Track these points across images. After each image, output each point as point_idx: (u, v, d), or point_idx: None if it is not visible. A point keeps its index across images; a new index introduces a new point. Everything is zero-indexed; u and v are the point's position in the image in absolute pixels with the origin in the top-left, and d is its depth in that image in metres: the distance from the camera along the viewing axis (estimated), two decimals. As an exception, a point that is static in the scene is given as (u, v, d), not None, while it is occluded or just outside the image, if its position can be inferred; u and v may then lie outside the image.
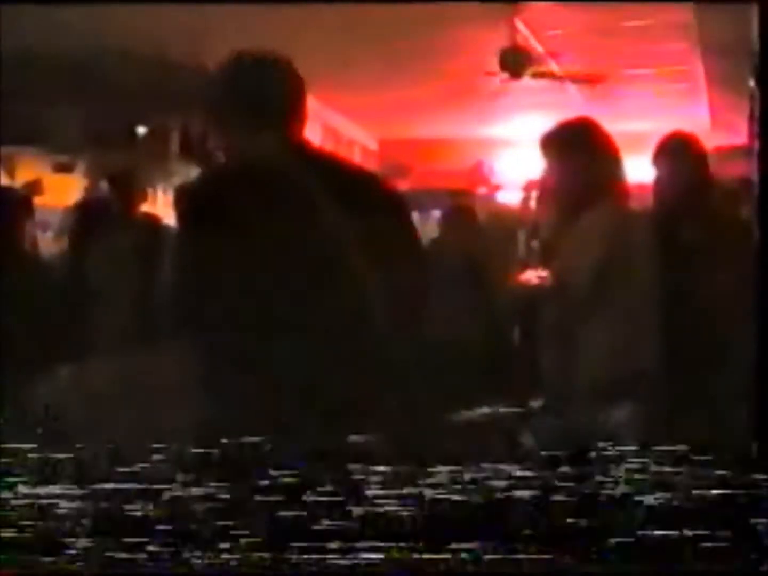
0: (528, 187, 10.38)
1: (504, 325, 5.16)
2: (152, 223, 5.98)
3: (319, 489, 2.18)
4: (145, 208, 6.32)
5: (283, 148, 2.73)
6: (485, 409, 3.27)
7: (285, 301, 2.44)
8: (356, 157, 14.53)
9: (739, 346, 3.25)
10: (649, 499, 2.30)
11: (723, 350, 3.55)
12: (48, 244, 8.18)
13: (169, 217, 6.83)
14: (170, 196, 7.11)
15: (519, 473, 2.32)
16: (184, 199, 2.75)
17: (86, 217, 5.91)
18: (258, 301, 2.43)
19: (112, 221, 5.61)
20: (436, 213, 6.61)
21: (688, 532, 2.24)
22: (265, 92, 2.79)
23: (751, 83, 2.88)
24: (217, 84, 2.94)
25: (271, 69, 2.85)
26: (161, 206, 6.92)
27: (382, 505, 2.19)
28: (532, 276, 4.00)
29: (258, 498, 2.16)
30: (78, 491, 1.92)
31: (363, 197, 2.67)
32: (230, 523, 2.13)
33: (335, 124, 13.35)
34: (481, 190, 13.28)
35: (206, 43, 9.05)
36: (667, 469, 2.34)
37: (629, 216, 3.53)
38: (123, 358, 2.20)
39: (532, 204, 8.74)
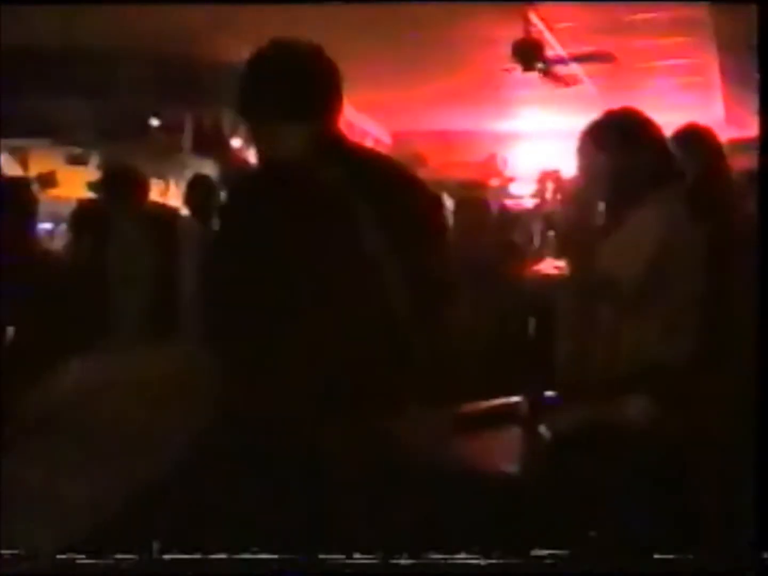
0: (543, 178, 10.38)
1: (520, 316, 5.15)
2: (165, 214, 5.99)
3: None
4: (158, 199, 6.32)
5: (313, 143, 2.63)
6: (501, 400, 3.27)
7: (308, 307, 2.40)
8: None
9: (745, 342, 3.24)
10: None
11: (732, 347, 3.53)
12: (61, 236, 8.22)
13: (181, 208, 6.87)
14: (182, 189, 7.14)
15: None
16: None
17: (87, 215, 5.93)
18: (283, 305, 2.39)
19: (113, 217, 5.62)
20: (450, 204, 6.58)
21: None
22: (298, 83, 2.67)
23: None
24: (247, 74, 2.73)
25: (305, 58, 2.71)
26: (173, 198, 6.92)
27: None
28: (548, 266, 3.98)
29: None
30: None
31: (394, 195, 2.58)
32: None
33: (349, 116, 13.35)
34: (494, 182, 13.26)
35: (221, 38, 9.08)
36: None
37: (679, 210, 3.47)
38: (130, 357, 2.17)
39: (548, 195, 8.74)
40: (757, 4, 2.98)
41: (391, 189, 2.60)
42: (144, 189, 6.09)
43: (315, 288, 2.41)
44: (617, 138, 3.52)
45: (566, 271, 3.75)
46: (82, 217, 5.90)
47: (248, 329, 2.38)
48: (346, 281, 2.44)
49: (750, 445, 2.53)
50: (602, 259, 3.42)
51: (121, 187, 5.86)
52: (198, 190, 6.56)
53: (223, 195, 5.26)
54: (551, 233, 5.69)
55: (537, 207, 7.71)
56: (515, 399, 3.18)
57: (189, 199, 6.59)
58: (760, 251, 2.76)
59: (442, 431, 2.58)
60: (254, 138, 2.78)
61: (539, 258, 4.26)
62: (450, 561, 2.23)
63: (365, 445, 2.28)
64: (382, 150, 14.17)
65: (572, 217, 4.08)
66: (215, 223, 2.73)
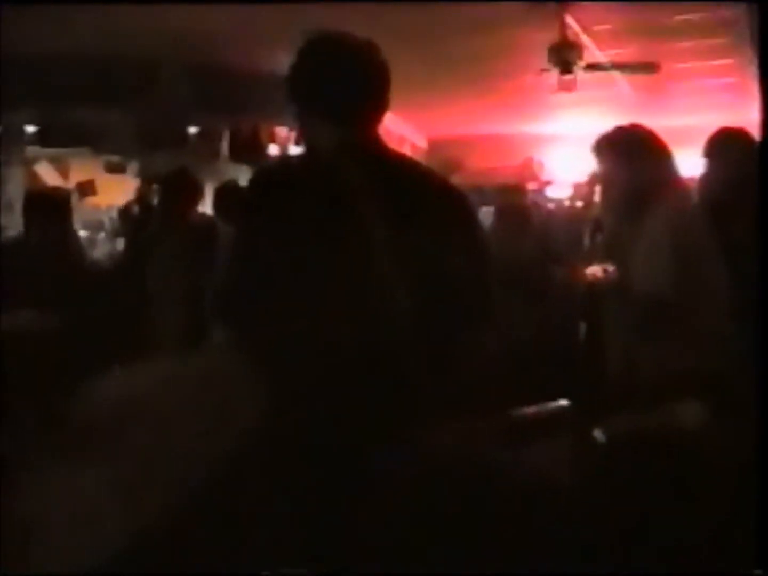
0: (590, 182, 10.32)
1: (571, 320, 5.13)
2: (206, 223, 6.00)
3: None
4: (199, 208, 6.33)
5: (346, 145, 2.59)
6: (554, 404, 3.26)
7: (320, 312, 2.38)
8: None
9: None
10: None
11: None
12: (101, 243, 8.30)
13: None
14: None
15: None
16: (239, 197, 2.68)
17: (139, 218, 5.95)
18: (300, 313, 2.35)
19: (166, 222, 5.63)
20: (487, 210, 6.56)
21: None
22: (342, 81, 2.63)
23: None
24: (293, 70, 2.70)
25: (351, 55, 2.67)
26: (210, 207, 6.94)
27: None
28: (597, 270, 3.98)
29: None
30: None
31: (418, 204, 2.50)
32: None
33: (386, 121, 13.35)
34: (532, 186, 13.24)
35: (257, 47, 9.12)
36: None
37: (691, 213, 3.50)
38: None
39: (596, 198, 8.69)
40: (758, 4, 2.97)
41: (418, 196, 2.53)
42: (197, 193, 6.10)
43: (336, 292, 2.38)
44: (620, 148, 3.59)
45: (613, 275, 3.76)
46: (128, 222, 5.94)
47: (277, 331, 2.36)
48: (362, 287, 2.40)
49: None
50: (625, 267, 3.45)
51: (176, 190, 5.87)
52: (226, 196, 6.56)
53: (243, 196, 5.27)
54: (599, 236, 5.66)
55: (584, 209, 7.64)
56: (565, 403, 3.18)
57: (218, 205, 6.60)
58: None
59: (494, 439, 2.54)
60: (297, 126, 2.74)
61: (588, 262, 4.23)
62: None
63: (410, 459, 2.25)
64: (419, 155, 14.17)
65: (605, 222, 4.11)
66: (237, 217, 2.68)
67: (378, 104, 2.71)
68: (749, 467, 2.75)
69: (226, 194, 6.63)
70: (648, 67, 9.46)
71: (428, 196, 2.58)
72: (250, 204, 2.59)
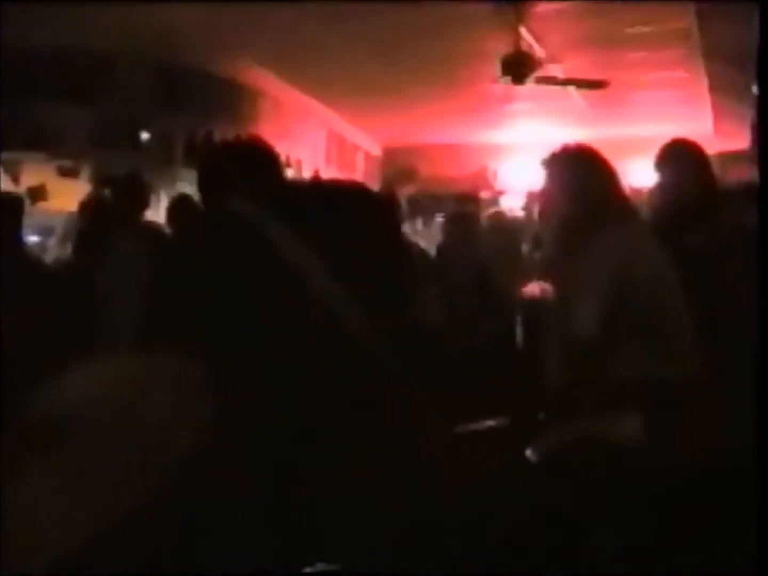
0: (531, 196, 10.40)
1: (509, 334, 5.15)
2: (154, 230, 5.97)
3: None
4: (149, 214, 6.29)
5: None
6: (490, 422, 3.26)
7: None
8: (360, 163, 14.56)
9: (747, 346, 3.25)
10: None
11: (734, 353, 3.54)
12: (52, 248, 8.21)
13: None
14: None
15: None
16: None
17: (90, 222, 5.90)
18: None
19: (117, 226, 5.59)
20: (441, 218, 6.59)
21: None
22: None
23: (754, 89, 2.89)
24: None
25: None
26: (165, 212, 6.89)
27: None
28: (535, 288, 3.99)
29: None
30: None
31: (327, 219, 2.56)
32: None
33: (340, 130, 13.38)
34: (485, 195, 13.30)
35: (214, 49, 9.11)
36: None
37: (635, 236, 3.48)
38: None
39: (535, 214, 8.75)
40: (758, 4, 3.00)
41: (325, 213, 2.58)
42: (147, 196, 6.08)
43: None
44: (567, 167, 3.56)
45: (549, 295, 3.77)
46: (80, 227, 5.88)
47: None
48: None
49: (748, 463, 2.52)
50: (565, 287, 3.45)
51: (126, 194, 5.84)
52: (180, 209, 6.51)
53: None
54: (537, 253, 5.68)
55: (525, 225, 7.69)
56: (502, 419, 3.18)
57: (171, 218, 6.56)
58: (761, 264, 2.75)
59: (436, 450, 2.55)
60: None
61: (527, 278, 4.25)
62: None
63: (361, 459, 2.26)
64: (373, 164, 14.20)
65: (547, 241, 4.09)
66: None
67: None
68: (696, 478, 2.77)
69: (179, 207, 6.59)
70: (598, 84, 9.55)
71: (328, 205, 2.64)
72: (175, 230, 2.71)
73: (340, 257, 2.44)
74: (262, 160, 2.84)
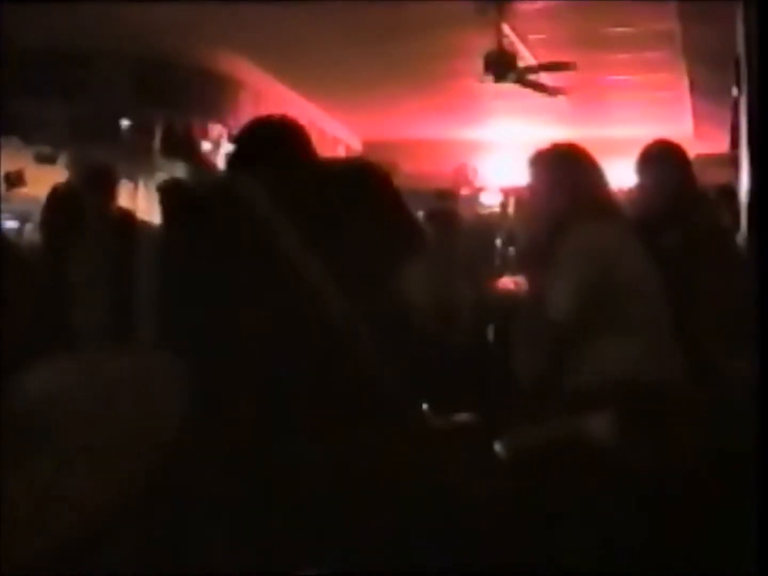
0: (506, 193, 10.40)
1: (482, 329, 5.15)
2: (128, 219, 5.93)
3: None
4: (124, 203, 6.26)
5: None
6: (461, 416, 3.25)
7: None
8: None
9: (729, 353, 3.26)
10: None
11: (713, 353, 3.54)
12: (30, 234, 8.14)
13: (147, 213, 6.83)
14: (152, 191, 7.10)
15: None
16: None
17: (60, 209, 5.86)
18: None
19: (88, 215, 5.56)
20: (420, 214, 6.57)
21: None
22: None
23: (734, 92, 2.88)
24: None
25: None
26: (143, 201, 6.87)
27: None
28: (508, 282, 3.99)
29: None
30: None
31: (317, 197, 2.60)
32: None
33: (321, 123, 13.35)
34: (465, 192, 13.28)
35: (195, 43, 9.07)
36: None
37: (616, 233, 3.49)
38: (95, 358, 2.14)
39: (510, 210, 8.75)
40: (740, 3, 3.00)
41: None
42: (116, 188, 6.06)
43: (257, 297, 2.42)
44: (552, 164, 3.58)
45: (522, 290, 3.78)
46: (53, 214, 5.83)
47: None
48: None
49: (724, 462, 2.53)
50: (541, 280, 3.45)
51: (96, 184, 5.81)
52: (171, 194, 6.48)
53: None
54: (511, 249, 5.69)
55: (499, 221, 7.67)
56: (471, 414, 3.17)
57: (164, 202, 6.53)
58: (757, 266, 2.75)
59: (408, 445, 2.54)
60: None
61: (501, 272, 4.25)
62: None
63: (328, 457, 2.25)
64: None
65: (525, 236, 4.10)
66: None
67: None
68: (670, 477, 2.77)
69: (170, 192, 6.55)
70: (564, 66, 9.44)
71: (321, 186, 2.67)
72: (168, 217, 2.70)
73: (339, 247, 2.44)
74: (285, 141, 2.80)
